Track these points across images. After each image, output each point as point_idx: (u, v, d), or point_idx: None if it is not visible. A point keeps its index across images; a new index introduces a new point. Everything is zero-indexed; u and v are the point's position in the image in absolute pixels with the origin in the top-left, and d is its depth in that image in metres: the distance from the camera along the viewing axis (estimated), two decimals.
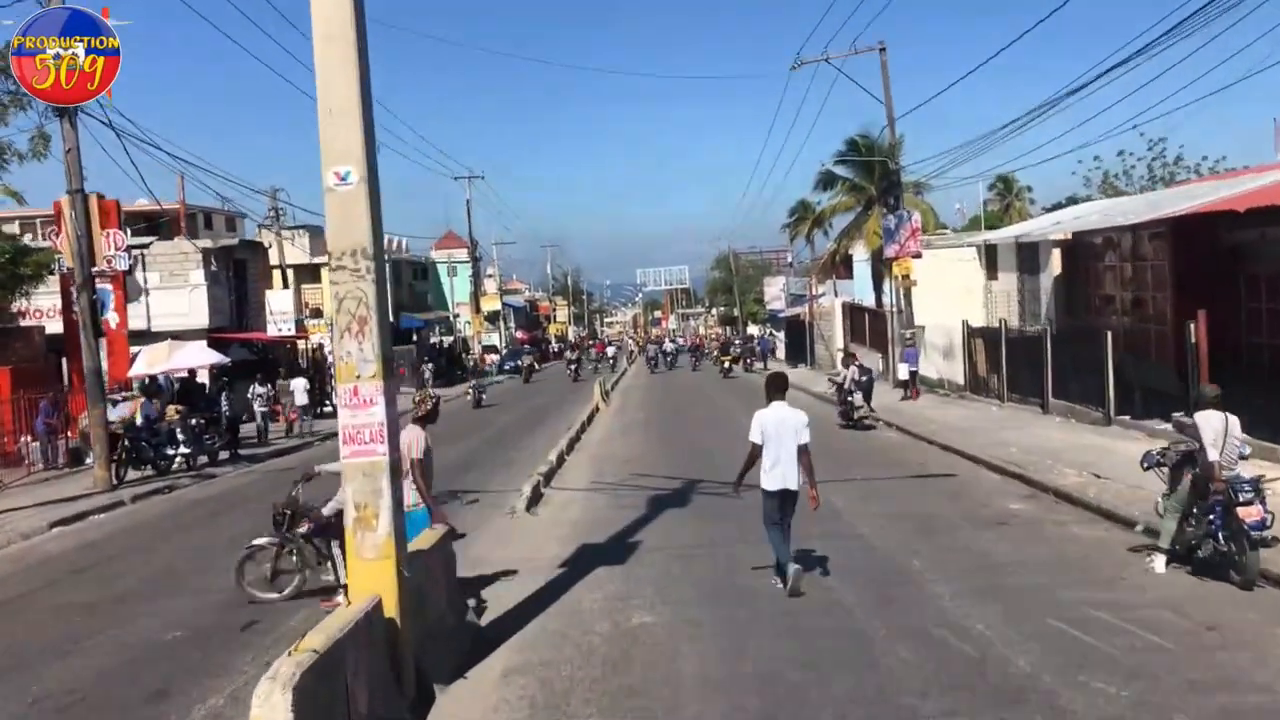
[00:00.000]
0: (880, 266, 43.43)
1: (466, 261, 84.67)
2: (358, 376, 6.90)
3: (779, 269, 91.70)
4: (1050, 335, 23.81)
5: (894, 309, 37.54)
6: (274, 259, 49.34)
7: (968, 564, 10.58)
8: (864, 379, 25.11)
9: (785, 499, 9.93)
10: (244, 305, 35.28)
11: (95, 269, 20.23)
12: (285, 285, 39.48)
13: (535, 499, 15.13)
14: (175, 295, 32.42)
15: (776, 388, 10.34)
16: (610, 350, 79.79)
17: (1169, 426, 12.41)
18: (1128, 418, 20.56)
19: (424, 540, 8.43)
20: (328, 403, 36.51)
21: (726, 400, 34.50)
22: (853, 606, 9.16)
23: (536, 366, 47.26)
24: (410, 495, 8.79)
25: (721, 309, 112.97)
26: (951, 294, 36.28)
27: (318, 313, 51.66)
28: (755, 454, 9.98)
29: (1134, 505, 12.48)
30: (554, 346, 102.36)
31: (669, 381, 50.44)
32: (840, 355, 48.77)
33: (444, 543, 8.87)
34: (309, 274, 52.27)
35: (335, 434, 7.28)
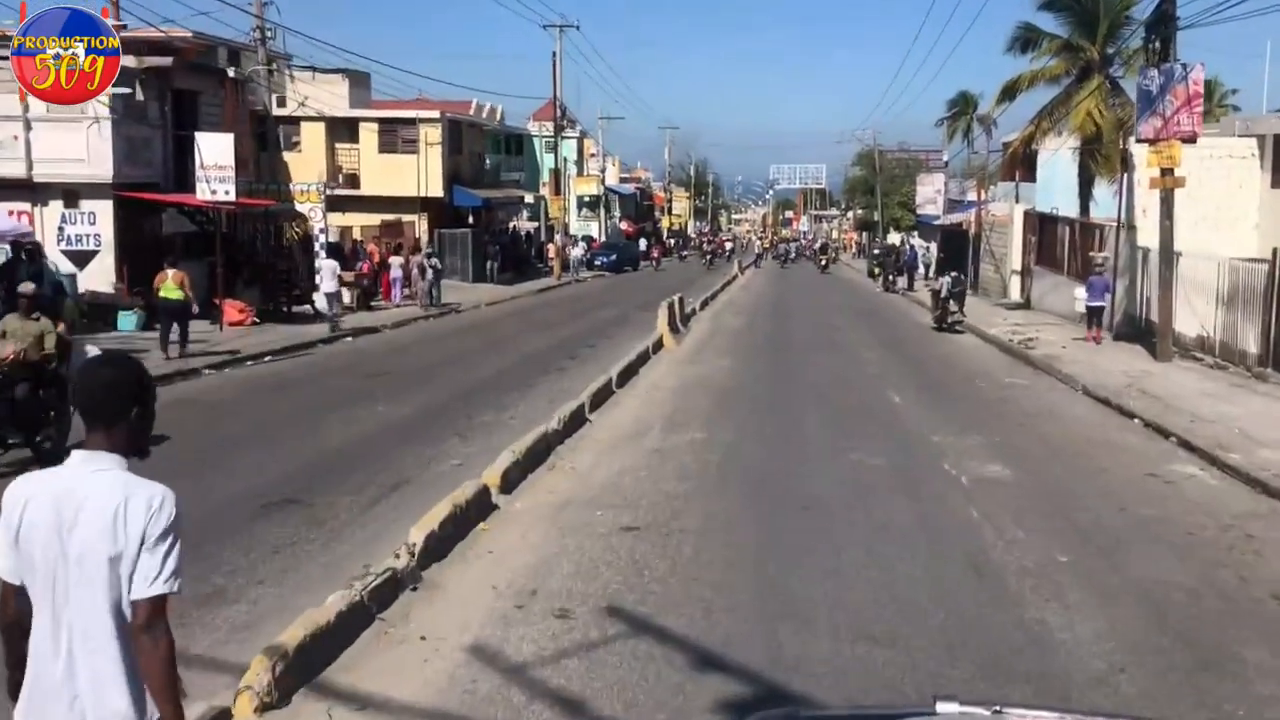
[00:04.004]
0: (1091, 163, 30.94)
1: (569, 136, 73.85)
2: None
3: (931, 169, 78.22)
4: None
5: (1121, 222, 25.33)
6: (293, 106, 39.26)
7: None
8: (957, 289, 26.97)
9: None
10: (189, 159, 24.96)
11: None
12: (276, 139, 29.19)
13: None
14: (67, 132, 22.24)
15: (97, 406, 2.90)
16: (729, 246, 77.43)
17: None
18: None
19: None
20: (306, 301, 26.57)
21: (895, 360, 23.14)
22: None
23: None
24: None
25: (860, 212, 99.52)
26: (1206, 209, 24.20)
27: (353, 182, 41.56)
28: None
29: None
30: (670, 241, 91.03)
31: (789, 298, 39.02)
32: (1017, 277, 37.00)
33: None
34: (345, 130, 41.96)
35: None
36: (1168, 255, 19.99)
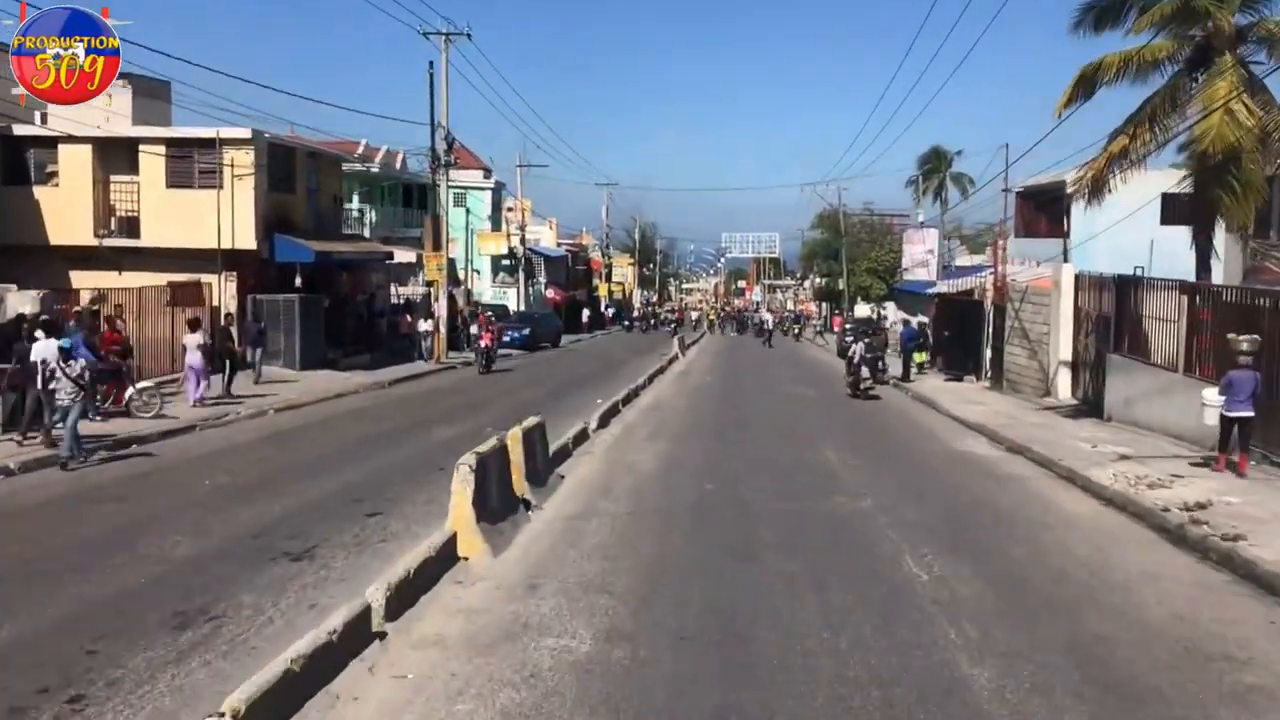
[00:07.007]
0: (1225, 196, 19.75)
1: (481, 187, 62.49)
2: None
3: (906, 228, 67.63)
4: None
5: None
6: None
7: None
8: (870, 355, 25.67)
9: None
10: None
11: None
12: None
13: None
14: None
15: None
16: (695, 315, 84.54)
17: None
18: None
19: None
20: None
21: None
22: None
23: None
24: None
25: (821, 280, 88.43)
26: None
27: (131, 228, 29.48)
28: None
29: None
30: (606, 312, 79.75)
31: (741, 397, 27.27)
32: (1066, 370, 25.82)
33: None
34: (125, 158, 29.86)
35: None
36: None
